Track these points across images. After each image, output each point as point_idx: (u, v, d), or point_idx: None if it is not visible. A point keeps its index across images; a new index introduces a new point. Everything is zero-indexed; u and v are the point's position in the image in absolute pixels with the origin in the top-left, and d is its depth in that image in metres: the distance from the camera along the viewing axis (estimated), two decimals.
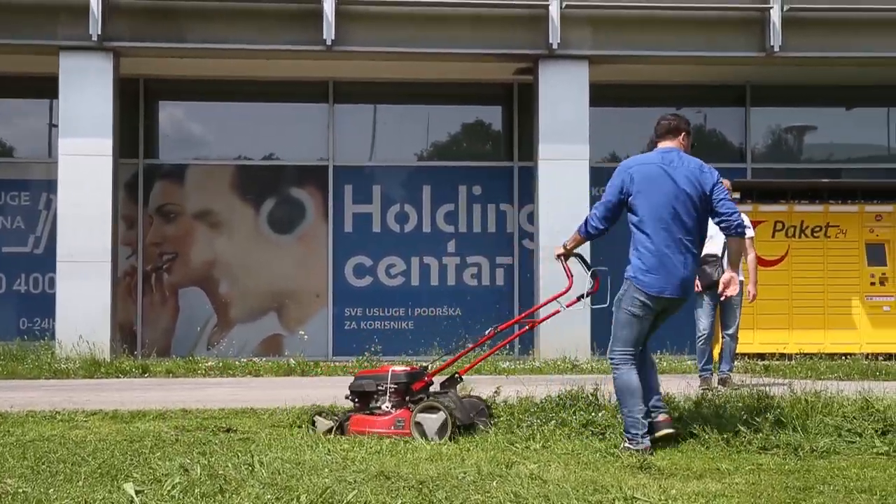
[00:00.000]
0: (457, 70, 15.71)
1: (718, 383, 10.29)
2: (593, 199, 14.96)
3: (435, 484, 5.11)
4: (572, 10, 14.54)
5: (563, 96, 14.68)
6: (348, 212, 16.31)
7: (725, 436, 6.65)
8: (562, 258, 7.06)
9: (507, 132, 16.79)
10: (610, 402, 7.48)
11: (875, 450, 6.45)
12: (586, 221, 6.78)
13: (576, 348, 13.92)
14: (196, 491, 4.89)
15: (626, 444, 6.39)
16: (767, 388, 7.81)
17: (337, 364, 13.54)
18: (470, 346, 7.81)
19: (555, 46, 14.45)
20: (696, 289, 10.57)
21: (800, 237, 14.55)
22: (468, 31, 14.63)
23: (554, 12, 14.40)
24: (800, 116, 17.23)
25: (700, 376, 10.52)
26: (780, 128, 17.20)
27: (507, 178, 16.45)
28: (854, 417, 6.86)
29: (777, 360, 12.98)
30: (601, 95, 15.26)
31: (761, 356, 13.66)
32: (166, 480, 5.10)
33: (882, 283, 14.58)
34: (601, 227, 6.71)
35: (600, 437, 6.79)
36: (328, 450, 6.24)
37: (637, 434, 6.39)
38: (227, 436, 6.99)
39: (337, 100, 16.38)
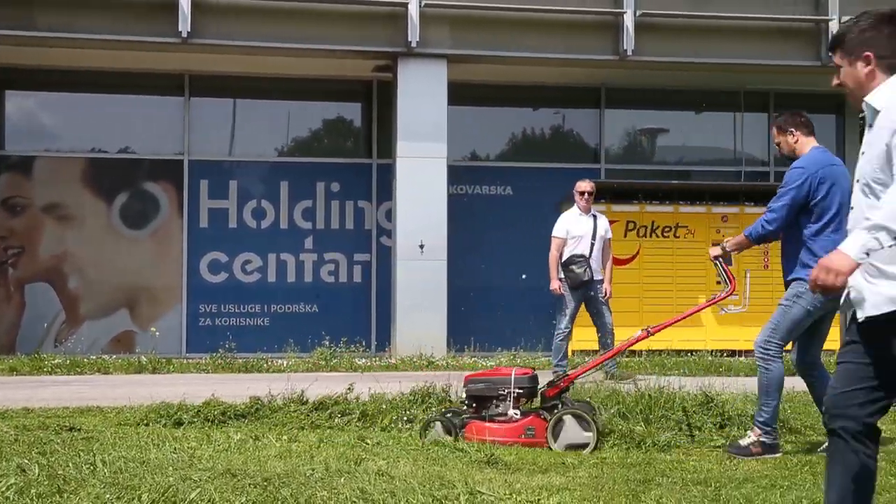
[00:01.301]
0: (316, 66, 15.61)
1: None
2: (451, 198, 15.10)
3: (281, 481, 5.06)
4: (431, 9, 14.60)
5: (421, 94, 14.74)
6: (204, 207, 16.02)
7: None
8: (720, 260, 6.71)
9: (366, 129, 16.77)
10: (461, 396, 7.54)
11: (713, 443, 6.71)
12: (762, 225, 6.44)
13: (432, 346, 13.97)
14: (32, 491, 4.74)
15: (762, 439, 6.25)
16: (614, 384, 8.01)
17: (190, 361, 13.31)
18: (618, 347, 7.29)
19: (413, 45, 14.49)
20: (558, 291, 10.84)
21: (650, 237, 14.94)
22: (327, 28, 14.54)
23: (413, 10, 14.44)
24: (652, 119, 17.68)
25: (553, 372, 10.72)
26: (633, 130, 17.62)
27: (366, 176, 16.41)
28: (694, 412, 7.09)
29: (628, 356, 13.29)
30: (461, 95, 15.40)
31: None
32: (1, 481, 4.93)
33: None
34: (777, 230, 6.44)
35: None
36: (174, 448, 6.14)
37: (775, 428, 6.28)
38: (70, 435, 6.77)
39: (193, 93, 16.09)
